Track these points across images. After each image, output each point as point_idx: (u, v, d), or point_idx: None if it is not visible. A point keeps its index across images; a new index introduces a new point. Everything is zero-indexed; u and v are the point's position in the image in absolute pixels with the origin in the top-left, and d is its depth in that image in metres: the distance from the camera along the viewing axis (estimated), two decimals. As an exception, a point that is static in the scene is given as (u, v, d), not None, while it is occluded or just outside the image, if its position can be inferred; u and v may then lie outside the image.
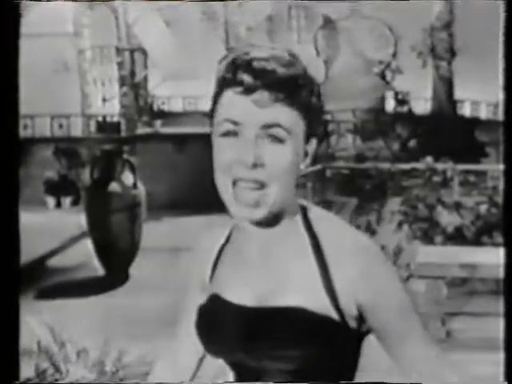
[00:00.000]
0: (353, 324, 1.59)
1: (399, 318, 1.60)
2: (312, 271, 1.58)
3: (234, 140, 1.54)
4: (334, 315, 1.57)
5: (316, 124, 1.60)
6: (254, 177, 1.53)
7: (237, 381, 1.68)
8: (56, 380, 4.69)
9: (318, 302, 1.56)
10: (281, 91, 1.52)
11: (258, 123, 1.52)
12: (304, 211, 1.64)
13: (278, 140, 1.53)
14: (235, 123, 1.53)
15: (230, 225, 1.73)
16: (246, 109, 1.52)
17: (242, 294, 1.63)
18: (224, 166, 1.55)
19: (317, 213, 1.65)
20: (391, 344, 1.61)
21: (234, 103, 1.53)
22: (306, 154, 1.60)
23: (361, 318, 1.59)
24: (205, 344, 1.69)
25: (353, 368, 1.65)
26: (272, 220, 1.59)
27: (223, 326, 1.64)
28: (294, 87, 1.53)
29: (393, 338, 1.61)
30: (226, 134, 1.54)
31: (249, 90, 1.51)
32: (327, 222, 1.64)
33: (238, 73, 1.52)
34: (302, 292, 1.57)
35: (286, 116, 1.53)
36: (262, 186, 1.53)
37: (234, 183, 1.54)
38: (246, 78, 1.51)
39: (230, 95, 1.54)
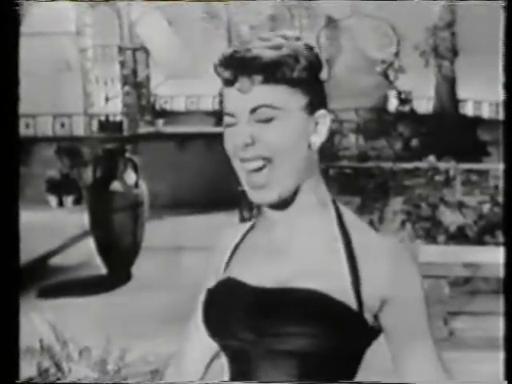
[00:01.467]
0: (369, 318, 1.60)
1: (414, 318, 1.63)
2: (338, 261, 1.61)
3: (232, 129, 1.61)
4: (353, 305, 1.58)
5: (319, 96, 1.64)
6: (252, 154, 1.59)
7: (233, 371, 1.67)
8: (58, 379, 4.69)
9: (339, 290, 1.58)
10: (259, 73, 1.57)
11: (246, 109, 1.59)
12: (336, 205, 1.67)
13: (268, 118, 1.58)
14: (231, 115, 1.61)
15: (255, 218, 1.77)
16: (234, 99, 1.60)
17: (261, 276, 1.65)
18: (230, 152, 1.62)
19: (346, 210, 1.69)
20: (398, 345, 1.63)
21: (227, 97, 1.62)
22: (316, 125, 1.63)
23: (377, 315, 1.61)
24: (210, 326, 1.69)
25: (356, 363, 1.65)
26: (288, 200, 1.63)
27: (234, 305, 1.64)
28: (276, 66, 1.58)
29: (403, 338, 1.63)
30: (228, 125, 1.62)
31: (231, 81, 1.59)
32: (357, 221, 1.67)
33: (220, 70, 1.61)
34: (325, 278, 1.59)
35: (272, 94, 1.58)
36: (266, 161, 1.59)
37: (241, 163, 1.61)
38: (226, 73, 1.60)
39: (225, 91, 1.63)
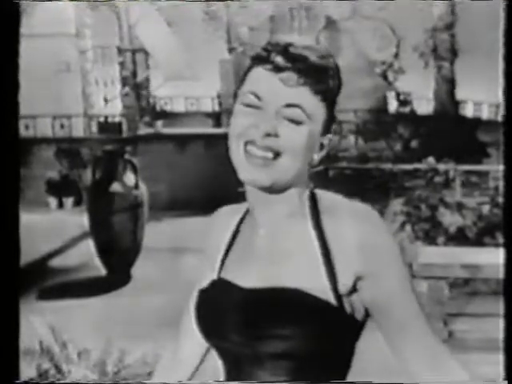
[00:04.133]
0: (349, 310, 1.59)
1: (399, 294, 1.60)
2: (314, 254, 1.60)
3: (254, 110, 1.59)
4: (332, 300, 1.58)
5: (332, 119, 1.65)
6: (266, 144, 1.57)
7: (226, 371, 1.67)
8: (58, 380, 4.69)
9: (317, 286, 1.58)
10: (309, 76, 1.57)
11: (281, 101, 1.57)
12: (313, 196, 1.67)
13: (297, 121, 1.57)
14: (259, 98, 1.58)
15: (240, 215, 1.75)
16: (271, 85, 1.58)
17: (245, 276, 1.65)
18: (239, 129, 1.59)
19: (323, 194, 1.69)
20: (391, 331, 1.62)
21: (262, 79, 1.59)
22: (321, 147, 1.64)
23: (354, 289, 1.59)
24: (202, 327, 1.70)
25: (347, 360, 1.65)
26: (277, 191, 1.63)
27: (222, 306, 1.65)
28: (323, 76, 1.59)
29: (393, 323, 1.61)
30: (249, 105, 1.59)
31: (278, 69, 1.57)
32: (331, 201, 1.67)
33: (272, 53, 1.58)
34: (303, 275, 1.59)
35: (310, 101, 1.58)
36: (273, 154, 1.58)
37: (246, 145, 1.58)
38: (278, 59, 1.57)
39: (260, 71, 1.60)
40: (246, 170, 1.59)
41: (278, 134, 1.57)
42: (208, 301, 1.69)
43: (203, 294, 1.71)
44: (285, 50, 1.58)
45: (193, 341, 1.79)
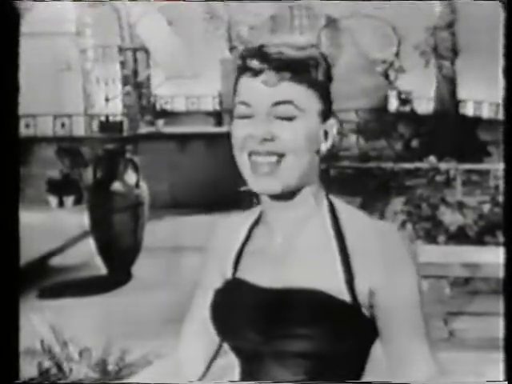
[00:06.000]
0: (367, 313, 1.62)
1: (407, 313, 1.62)
2: (333, 257, 1.62)
3: (247, 120, 1.61)
4: (351, 302, 1.59)
5: (330, 105, 1.66)
6: (267, 149, 1.59)
7: (243, 371, 1.68)
8: (59, 379, 4.70)
9: (335, 288, 1.59)
10: (288, 70, 1.58)
11: (268, 102, 1.59)
12: (329, 199, 1.68)
13: (289, 117, 1.59)
14: (248, 105, 1.60)
15: (252, 218, 1.76)
16: (256, 90, 1.60)
17: (262, 277, 1.66)
18: (239, 142, 1.62)
19: (341, 204, 1.69)
20: (390, 340, 1.63)
21: (247, 87, 1.61)
22: (326, 135, 1.65)
23: (371, 306, 1.61)
24: (219, 327, 1.70)
25: (362, 362, 1.66)
26: (290, 195, 1.64)
27: (240, 306, 1.66)
28: (303, 67, 1.60)
29: (396, 339, 1.62)
30: (241, 116, 1.62)
31: (257, 73, 1.59)
32: (351, 212, 1.68)
33: (247, 59, 1.61)
34: (321, 276, 1.61)
35: (297, 93, 1.59)
36: (276, 156, 1.59)
37: (250, 156, 1.61)
38: (254, 63, 1.59)
39: (244, 80, 1.62)
40: (255, 181, 1.61)
41: (275, 136, 1.59)
42: (225, 300, 1.70)
43: (219, 293, 1.72)
44: (259, 52, 1.60)
45: (199, 341, 1.79)
